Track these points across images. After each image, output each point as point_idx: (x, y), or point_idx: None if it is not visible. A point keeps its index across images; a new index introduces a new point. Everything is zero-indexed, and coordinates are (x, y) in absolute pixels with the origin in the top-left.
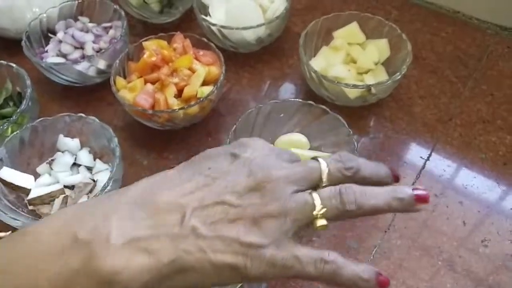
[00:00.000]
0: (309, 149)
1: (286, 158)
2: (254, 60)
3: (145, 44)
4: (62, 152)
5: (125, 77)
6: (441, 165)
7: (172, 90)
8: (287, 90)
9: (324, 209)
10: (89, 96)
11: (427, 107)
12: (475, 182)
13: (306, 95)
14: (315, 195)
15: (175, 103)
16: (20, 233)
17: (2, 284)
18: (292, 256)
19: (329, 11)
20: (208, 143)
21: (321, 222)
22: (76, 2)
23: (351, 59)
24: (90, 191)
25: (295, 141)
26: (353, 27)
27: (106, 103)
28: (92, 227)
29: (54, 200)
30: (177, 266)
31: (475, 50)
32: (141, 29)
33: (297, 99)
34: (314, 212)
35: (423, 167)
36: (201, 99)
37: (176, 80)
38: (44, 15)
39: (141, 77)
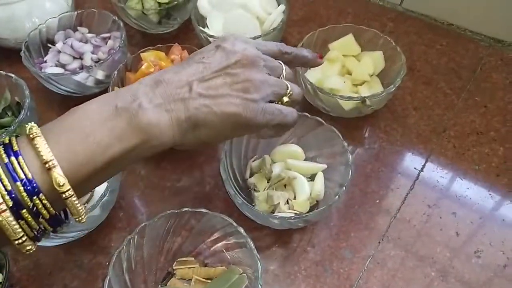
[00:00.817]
0: (305, 160)
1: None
2: None
3: (143, 55)
4: None
5: None
6: (435, 176)
7: None
8: None
9: (291, 92)
10: None
11: (421, 118)
12: (469, 193)
13: (301, 106)
14: (286, 81)
15: None
16: (71, 111)
17: (58, 147)
18: (276, 108)
19: (325, 23)
20: (206, 152)
21: (286, 99)
22: (75, 12)
23: (347, 70)
24: (87, 202)
25: (290, 152)
26: (349, 39)
27: None
28: (126, 101)
29: None
30: (192, 121)
31: (469, 62)
32: (139, 39)
33: None
34: (288, 90)
35: (417, 177)
36: None
37: None
38: (44, 25)
39: None
